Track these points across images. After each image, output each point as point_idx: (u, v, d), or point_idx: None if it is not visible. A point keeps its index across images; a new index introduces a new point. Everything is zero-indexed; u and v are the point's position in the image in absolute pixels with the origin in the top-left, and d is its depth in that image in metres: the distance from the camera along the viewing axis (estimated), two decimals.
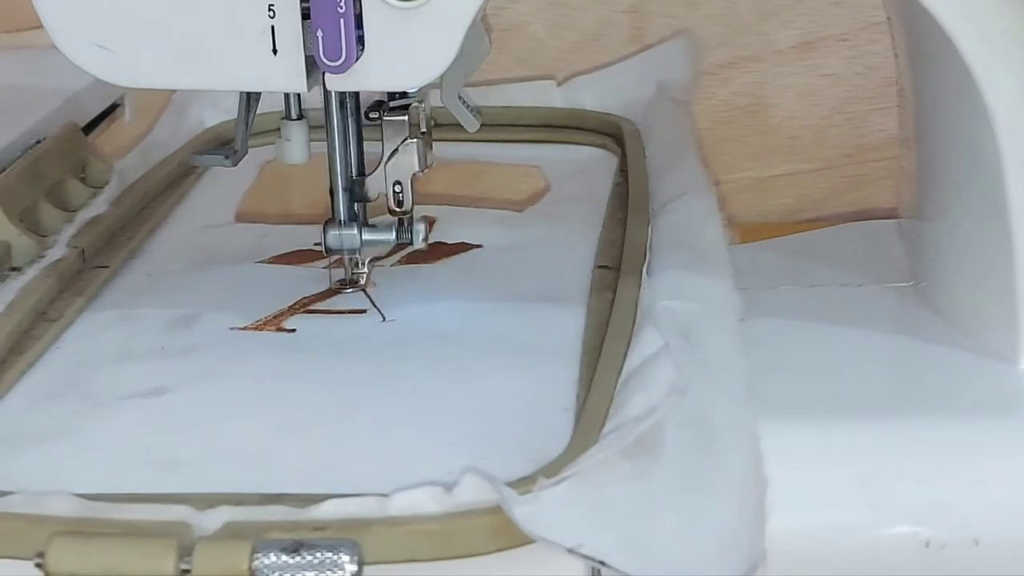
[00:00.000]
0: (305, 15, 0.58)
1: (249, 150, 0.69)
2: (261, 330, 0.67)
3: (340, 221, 0.69)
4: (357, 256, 0.70)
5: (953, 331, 0.65)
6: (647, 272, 0.67)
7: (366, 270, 0.70)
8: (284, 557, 0.48)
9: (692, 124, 0.87)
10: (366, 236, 0.69)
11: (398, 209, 0.68)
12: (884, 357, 0.66)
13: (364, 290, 0.70)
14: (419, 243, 0.69)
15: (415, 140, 0.67)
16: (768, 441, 0.57)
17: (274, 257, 0.75)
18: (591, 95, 0.92)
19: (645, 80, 0.91)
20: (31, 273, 0.70)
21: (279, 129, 0.69)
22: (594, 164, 0.87)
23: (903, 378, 0.65)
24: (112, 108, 0.92)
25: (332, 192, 0.69)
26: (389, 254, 0.74)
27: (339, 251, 0.69)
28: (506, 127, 0.89)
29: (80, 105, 0.87)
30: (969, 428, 0.58)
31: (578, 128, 0.91)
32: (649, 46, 0.94)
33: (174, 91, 0.90)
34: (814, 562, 0.55)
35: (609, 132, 0.89)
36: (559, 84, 0.93)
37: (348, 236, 0.69)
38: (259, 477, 0.55)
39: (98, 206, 0.78)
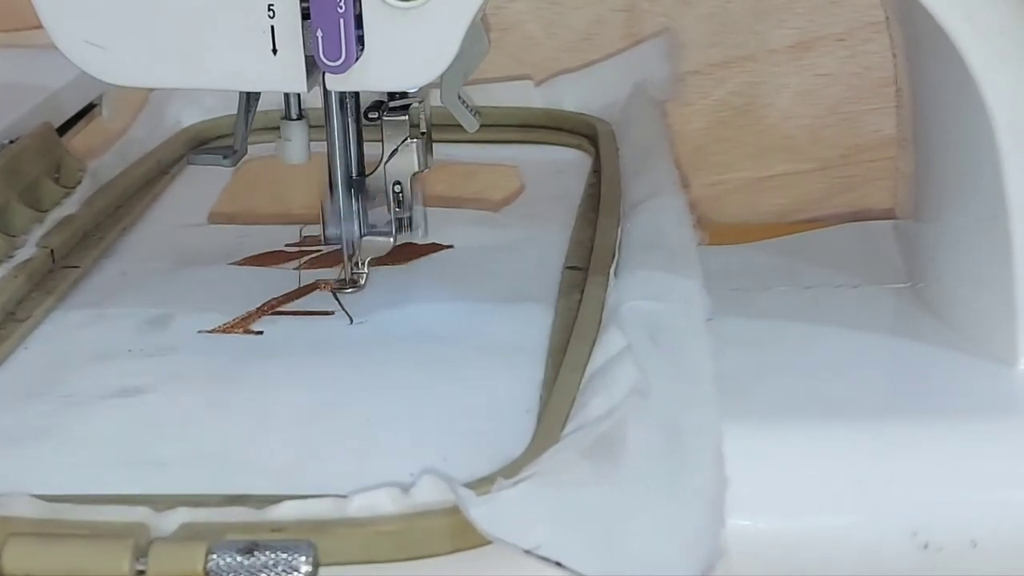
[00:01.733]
0: (305, 15, 0.58)
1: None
2: (229, 332, 0.67)
3: (340, 220, 0.69)
4: (357, 256, 0.70)
5: (950, 332, 0.65)
6: (615, 273, 0.67)
7: (366, 271, 0.70)
8: (239, 558, 0.49)
9: (667, 125, 0.87)
10: (366, 236, 0.69)
11: (398, 209, 0.68)
12: (881, 358, 0.65)
13: (333, 292, 0.70)
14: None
15: (415, 140, 0.68)
16: (764, 443, 0.57)
17: (246, 258, 0.75)
18: (570, 95, 0.92)
19: (624, 80, 0.91)
20: None
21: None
22: (571, 164, 0.87)
23: (900, 379, 0.64)
24: (89, 108, 0.91)
25: (332, 192, 0.69)
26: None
27: (339, 246, 0.69)
28: (484, 127, 0.87)
29: (56, 105, 0.87)
30: (967, 429, 0.58)
31: (555, 128, 0.90)
32: (631, 45, 0.94)
33: (152, 90, 0.89)
34: (812, 564, 0.55)
35: (585, 133, 0.89)
36: (538, 84, 0.93)
37: (348, 230, 0.69)
38: (228, 478, 0.55)
39: (70, 206, 0.78)
